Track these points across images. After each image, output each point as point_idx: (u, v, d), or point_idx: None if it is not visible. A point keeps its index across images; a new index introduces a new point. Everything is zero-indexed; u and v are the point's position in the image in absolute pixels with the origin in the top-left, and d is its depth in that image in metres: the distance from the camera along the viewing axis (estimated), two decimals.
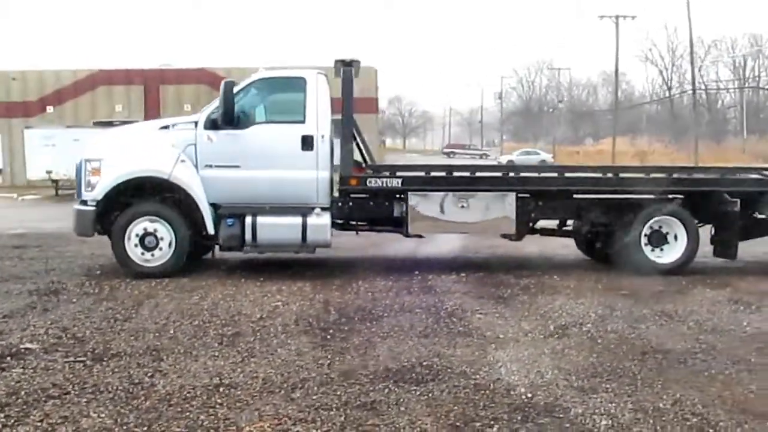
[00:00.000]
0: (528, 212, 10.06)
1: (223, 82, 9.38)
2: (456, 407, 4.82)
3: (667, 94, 65.90)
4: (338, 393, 5.10)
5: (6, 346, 6.20)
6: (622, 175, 10.24)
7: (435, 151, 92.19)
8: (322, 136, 9.54)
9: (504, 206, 9.67)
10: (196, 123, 9.59)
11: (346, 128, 9.78)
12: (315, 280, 9.28)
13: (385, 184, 9.66)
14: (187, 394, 5.06)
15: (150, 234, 9.34)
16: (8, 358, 5.89)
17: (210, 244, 9.69)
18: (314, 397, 5.02)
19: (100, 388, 5.19)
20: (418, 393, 5.11)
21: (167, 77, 44.76)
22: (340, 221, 10.23)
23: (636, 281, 9.31)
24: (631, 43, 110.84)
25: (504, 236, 10.44)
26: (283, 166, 9.50)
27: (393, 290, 8.69)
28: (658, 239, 9.83)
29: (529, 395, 5.05)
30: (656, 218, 9.77)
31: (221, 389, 5.18)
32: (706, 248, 10.38)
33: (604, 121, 64.02)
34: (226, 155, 9.50)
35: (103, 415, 4.66)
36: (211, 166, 9.49)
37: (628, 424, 4.53)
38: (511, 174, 10.06)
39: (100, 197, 9.36)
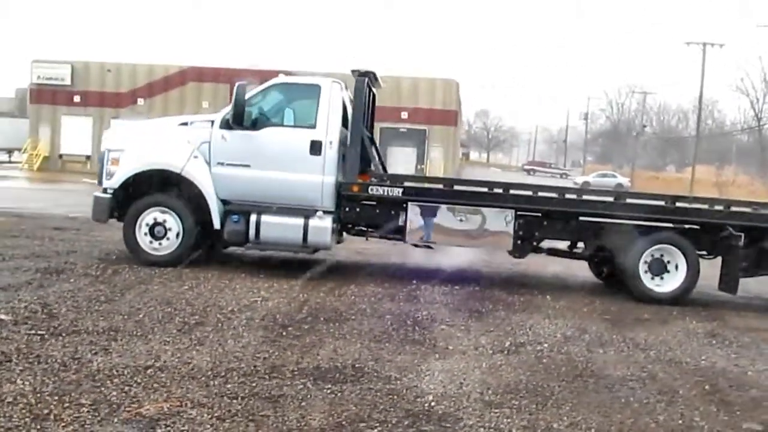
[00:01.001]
0: (531, 231, 10.09)
1: (236, 85, 9.77)
2: (354, 408, 5.00)
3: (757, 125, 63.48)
4: (253, 384, 5.34)
5: None
6: (626, 201, 10.13)
7: (518, 167, 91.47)
8: (330, 142, 9.81)
9: (502, 223, 9.73)
10: (212, 122, 10.01)
11: (353, 136, 10.00)
12: (311, 280, 9.55)
13: (386, 193, 9.85)
14: (114, 372, 5.39)
15: (159, 224, 9.80)
16: None
17: (215, 237, 10.07)
18: (228, 386, 5.28)
19: (41, 359, 5.59)
20: (328, 392, 5.31)
21: (252, 77, 45.93)
22: (348, 225, 10.52)
23: (627, 307, 9.26)
24: (725, 70, 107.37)
25: (510, 253, 10.49)
26: (291, 168, 9.82)
27: (378, 296, 8.88)
28: (659, 268, 9.71)
29: (433, 404, 5.18)
30: (656, 246, 9.67)
31: (149, 371, 5.49)
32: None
33: (692, 148, 62.18)
34: (238, 154, 9.87)
35: (26, 383, 5.04)
36: (222, 163, 9.89)
37: None
38: (512, 192, 10.08)
39: (116, 186, 9.89)
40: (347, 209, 10.16)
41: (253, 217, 9.75)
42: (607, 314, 8.81)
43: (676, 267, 9.69)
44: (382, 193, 9.88)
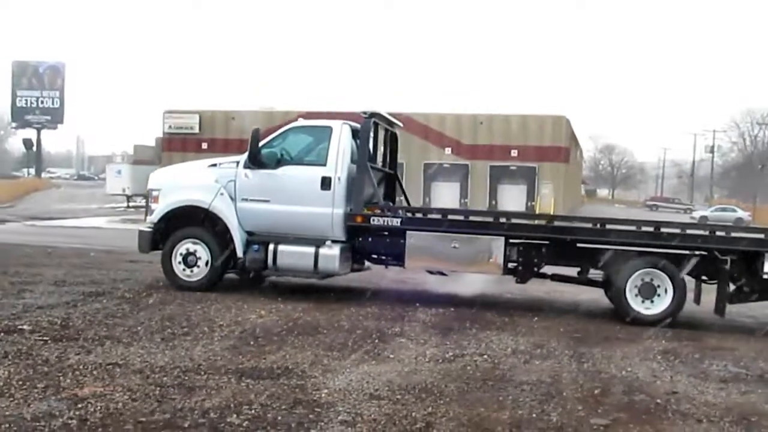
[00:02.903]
0: (529, 258, 10.72)
1: (251, 130, 11.09)
2: (252, 396, 5.96)
3: None
4: (185, 378, 6.41)
5: (8, 326, 8.12)
6: (608, 226, 10.61)
7: (641, 203, 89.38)
8: (339, 178, 10.90)
9: (492, 249, 10.44)
10: (238, 163, 11.33)
11: (359, 172, 11.00)
12: (319, 302, 10.57)
13: (386, 223, 10.80)
14: (80, 367, 6.60)
15: (191, 254, 11.16)
16: (1, 334, 7.79)
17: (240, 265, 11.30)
18: (164, 379, 6.37)
19: (31, 357, 6.88)
20: (243, 385, 6.29)
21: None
22: (367, 254, 11.52)
23: (605, 328, 9.72)
24: None
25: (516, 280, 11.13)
26: (304, 202, 10.97)
27: (368, 316, 9.77)
28: (649, 291, 10.10)
29: (323, 395, 6.06)
30: (643, 270, 10.08)
31: (109, 366, 6.67)
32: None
33: None
34: (259, 191, 11.14)
35: (6, 372, 6.31)
36: (246, 199, 11.17)
37: (360, 422, 5.46)
38: (502, 220, 10.77)
39: (156, 221, 11.37)
40: (360, 239, 11.18)
41: (271, 247, 10.94)
42: (579, 333, 9.32)
43: (666, 291, 10.06)
44: (383, 223, 10.83)
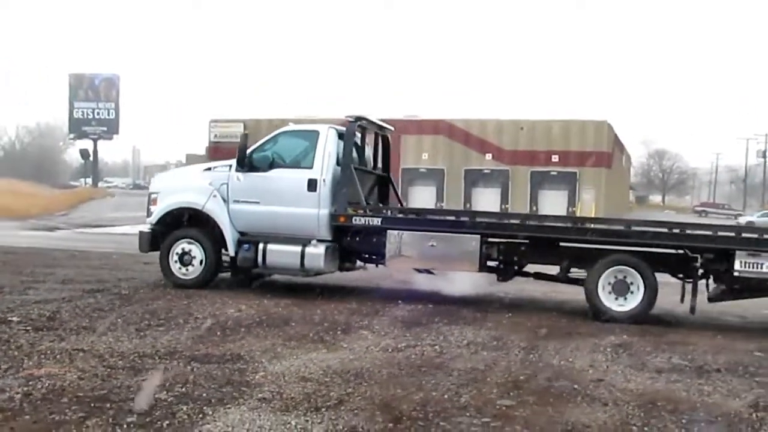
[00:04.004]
0: (509, 256, 11.05)
1: (240, 135, 11.67)
2: (190, 377, 6.46)
3: None
4: (139, 362, 6.94)
5: None
6: (583, 225, 10.86)
7: (691, 209, 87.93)
8: (324, 180, 11.40)
9: (468, 248, 10.78)
10: (230, 166, 11.93)
11: (343, 174, 11.45)
12: (303, 299, 11.03)
13: (367, 222, 11.23)
14: (47, 352, 7.18)
15: (186, 253, 11.77)
16: None
17: (231, 263, 11.88)
18: (119, 362, 6.91)
19: (8, 343, 7.49)
20: (189, 368, 6.79)
21: (409, 127, 48.05)
22: (354, 253, 11.98)
23: (575, 324, 9.94)
24: None
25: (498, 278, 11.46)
26: (291, 203, 11.49)
27: (342, 311, 10.18)
28: (622, 288, 10.32)
29: (257, 377, 6.54)
30: (615, 268, 10.30)
31: (74, 352, 7.25)
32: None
33: None
34: (250, 192, 11.70)
35: None
36: (238, 201, 11.75)
37: (277, 399, 5.91)
38: (478, 219, 11.11)
39: (154, 222, 12.02)
40: (348, 239, 11.64)
41: (260, 246, 11.47)
42: (545, 328, 9.57)
43: (638, 288, 10.26)
44: (364, 222, 11.27)
